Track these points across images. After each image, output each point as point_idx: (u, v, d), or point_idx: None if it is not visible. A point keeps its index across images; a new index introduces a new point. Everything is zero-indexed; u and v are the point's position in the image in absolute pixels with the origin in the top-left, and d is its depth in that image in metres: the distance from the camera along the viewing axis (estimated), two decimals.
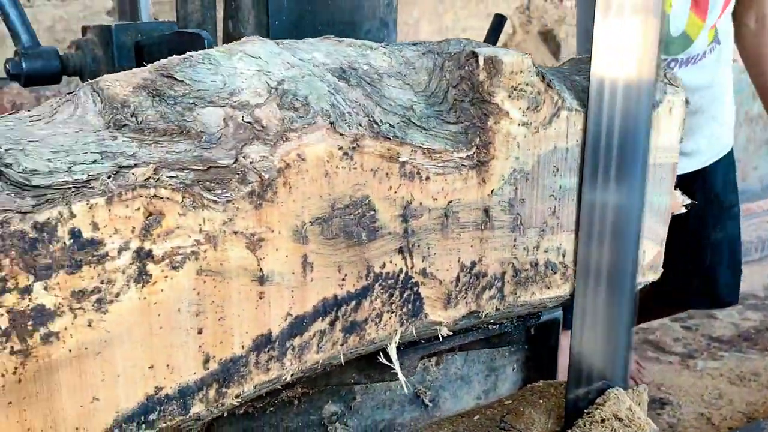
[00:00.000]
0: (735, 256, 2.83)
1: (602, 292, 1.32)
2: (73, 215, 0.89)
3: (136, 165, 0.94)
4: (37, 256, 0.87)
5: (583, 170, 1.29)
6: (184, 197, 0.96)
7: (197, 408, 1.04)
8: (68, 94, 1.05)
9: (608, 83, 1.22)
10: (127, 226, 0.93)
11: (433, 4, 6.61)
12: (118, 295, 0.94)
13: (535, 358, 2.10)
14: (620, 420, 1.34)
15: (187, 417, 1.04)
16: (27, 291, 0.87)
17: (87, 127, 0.99)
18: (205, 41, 1.30)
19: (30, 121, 1.00)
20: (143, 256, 0.94)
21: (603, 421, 1.34)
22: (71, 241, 0.89)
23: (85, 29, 1.64)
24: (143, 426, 1.00)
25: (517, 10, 6.44)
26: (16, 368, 0.89)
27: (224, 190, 0.99)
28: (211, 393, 1.04)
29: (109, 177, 0.91)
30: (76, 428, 0.94)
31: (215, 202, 0.98)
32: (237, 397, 1.07)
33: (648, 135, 1.27)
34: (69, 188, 0.89)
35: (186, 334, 1.00)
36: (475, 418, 1.55)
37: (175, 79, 1.01)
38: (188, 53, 1.03)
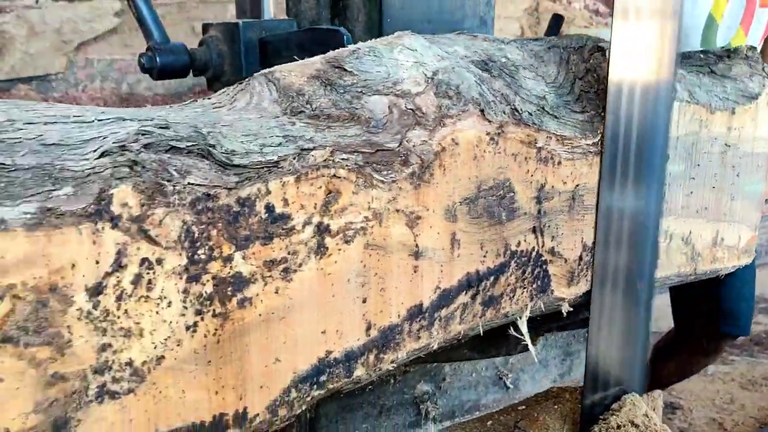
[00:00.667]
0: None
1: (619, 297, 1.30)
2: (269, 192, 0.98)
3: (314, 148, 1.03)
4: (238, 228, 0.96)
5: (601, 174, 1.27)
6: (357, 177, 1.05)
7: (359, 371, 1.13)
8: (240, 84, 1.14)
9: (626, 86, 1.21)
10: (311, 203, 1.02)
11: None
12: (300, 265, 1.03)
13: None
14: (636, 426, 1.31)
15: (350, 380, 1.13)
16: (229, 259, 0.97)
17: (266, 114, 1.08)
18: (344, 37, 1.38)
19: (214, 108, 1.09)
20: (322, 230, 1.03)
21: (619, 427, 1.31)
22: (266, 215, 0.98)
23: (206, 26, 1.73)
24: (315, 387, 1.09)
25: (525, 11, 6.29)
26: (216, 330, 0.98)
27: (389, 172, 1.08)
28: (371, 358, 1.13)
29: (294, 158, 1.00)
30: (261, 386, 1.04)
31: (382, 182, 1.07)
32: (392, 362, 1.16)
33: (666, 138, 1.25)
34: (263, 167, 0.98)
35: (353, 303, 1.09)
36: (488, 423, 1.51)
37: (345, 69, 1.10)
38: (355, 46, 1.12)
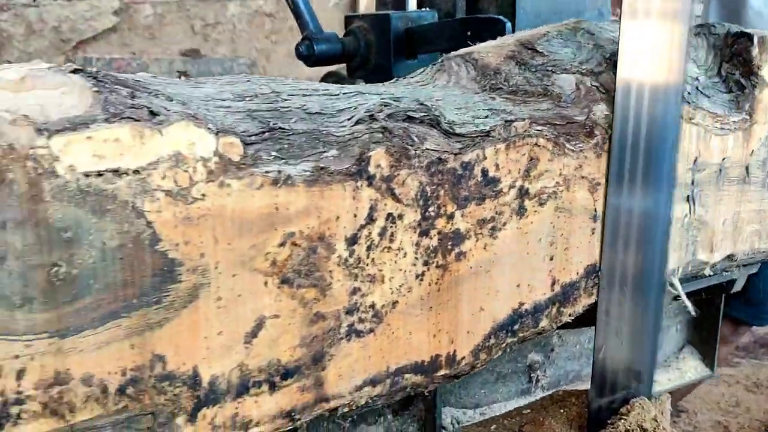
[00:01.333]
0: None
1: (628, 299, 1.26)
2: (485, 157, 1.10)
3: (515, 119, 1.15)
4: (460, 189, 1.08)
5: (609, 173, 1.23)
6: (553, 146, 1.17)
7: (544, 323, 1.25)
8: (435, 64, 1.27)
9: (635, 86, 1.17)
10: (516, 168, 1.14)
11: None
12: (504, 224, 1.15)
13: (696, 321, 2.27)
14: (645, 430, 1.28)
15: (536, 330, 1.25)
16: (451, 217, 1.09)
17: (467, 90, 1.20)
18: (506, 25, 1.49)
19: (420, 86, 1.22)
20: (523, 193, 1.15)
21: (627, 431, 1.28)
22: (482, 178, 1.10)
23: (351, 18, 1.85)
24: (509, 335, 1.21)
25: None
26: (438, 279, 1.10)
27: (577, 142, 1.19)
28: (554, 311, 1.25)
29: (501, 128, 1.12)
30: (467, 332, 1.16)
31: (572, 151, 1.19)
32: (569, 315, 1.27)
33: (676, 139, 1.23)
34: (477, 136, 1.10)
35: (542, 261, 1.21)
36: (492, 427, 1.48)
37: (537, 51, 1.21)
38: (544, 29, 1.24)
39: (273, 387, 0.99)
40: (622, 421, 1.28)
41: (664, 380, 2.36)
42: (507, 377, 2.09)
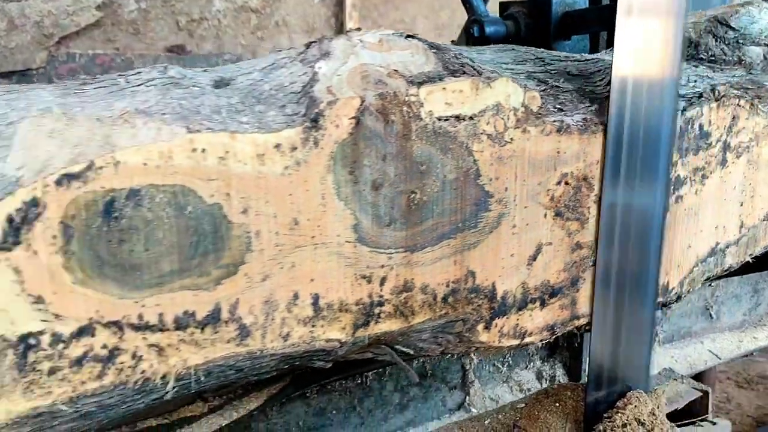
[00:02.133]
0: None
1: (624, 294, 1.24)
2: (701, 114, 1.28)
3: (717, 84, 1.33)
4: (682, 141, 1.27)
5: (603, 169, 1.19)
6: (750, 107, 1.35)
7: (730, 261, 1.43)
8: None
9: (631, 83, 1.15)
10: (722, 125, 1.32)
11: (429, 2, 6.45)
12: (711, 173, 1.33)
13: None
14: (642, 424, 1.26)
15: (723, 267, 1.43)
16: (674, 165, 1.27)
17: None
18: None
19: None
20: (725, 147, 1.34)
21: (624, 425, 1.25)
22: (698, 132, 1.29)
23: (508, 3, 2.02)
24: (705, 270, 1.39)
25: None
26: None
27: (765, 104, 1.38)
28: (739, 251, 1.44)
29: (710, 90, 1.31)
30: (678, 265, 1.35)
31: (764, 111, 1.37)
32: (749, 255, 1.46)
33: (672, 135, 1.21)
34: (694, 96, 1.29)
35: (734, 206, 1.40)
36: (486, 422, 1.44)
37: (730, 26, 1.40)
38: (734, 7, 1.42)
39: (543, 304, 1.18)
40: (619, 414, 1.26)
41: (762, 337, 2.54)
42: None
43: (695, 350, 2.36)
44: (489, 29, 1.90)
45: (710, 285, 2.42)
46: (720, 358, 2.37)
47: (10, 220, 0.75)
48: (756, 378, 3.14)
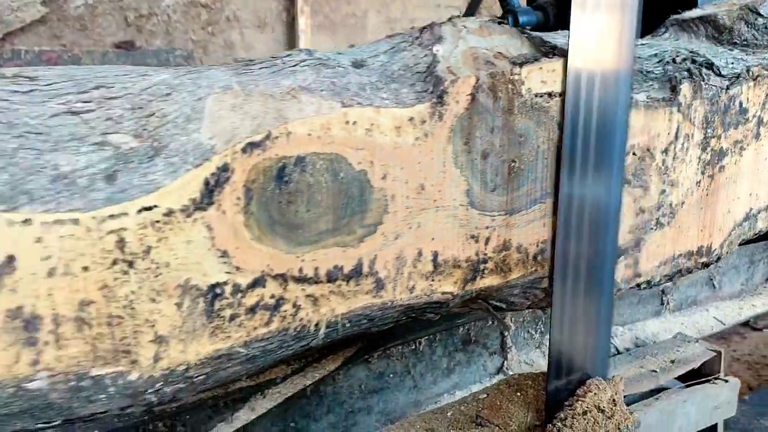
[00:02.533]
0: None
1: (581, 284, 1.25)
2: (741, 92, 1.43)
3: (751, 65, 1.48)
4: (726, 116, 1.41)
5: (560, 163, 1.20)
6: None
7: (761, 225, 1.58)
8: (669, 27, 1.59)
9: (585, 76, 1.16)
10: (758, 101, 1.47)
11: None
12: (747, 145, 1.48)
13: None
14: (602, 411, 1.27)
15: (755, 231, 1.58)
16: (719, 138, 1.42)
17: (709, 44, 1.52)
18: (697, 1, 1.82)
19: (674, 40, 1.54)
20: (759, 121, 1.48)
21: (585, 413, 1.26)
22: (738, 108, 1.43)
23: None
24: (741, 234, 1.54)
25: (465, 1, 6.16)
26: (707, 186, 1.43)
27: None
28: (766, 215, 1.59)
29: (746, 71, 1.45)
30: (719, 229, 1.49)
31: None
32: None
33: (626, 128, 1.22)
34: (733, 76, 1.43)
35: (764, 174, 1.55)
36: (449, 414, 1.46)
37: (759, 13, 1.54)
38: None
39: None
40: (580, 402, 1.27)
41: (759, 304, 2.72)
42: (646, 300, 2.43)
43: (702, 317, 2.52)
44: (522, 19, 2.03)
45: None
46: (724, 324, 2.54)
47: (206, 183, 0.85)
48: None
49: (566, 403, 1.28)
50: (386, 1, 6.45)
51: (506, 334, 2.00)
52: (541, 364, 2.07)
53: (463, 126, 1.05)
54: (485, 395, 1.45)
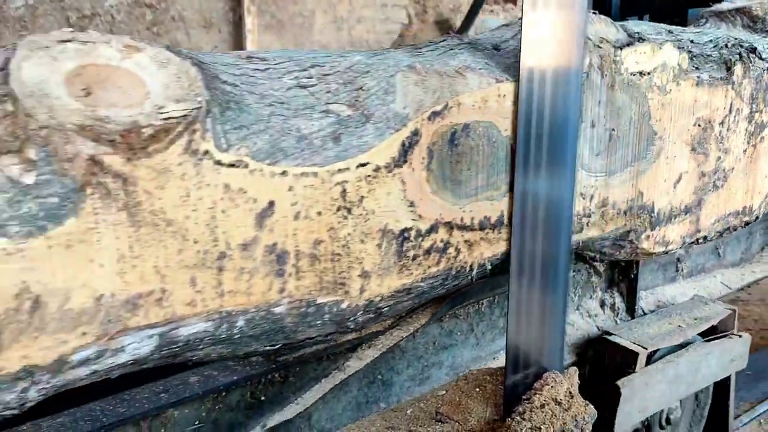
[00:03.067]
0: None
1: (537, 279, 1.26)
2: None
3: None
4: (766, 93, 1.63)
5: (515, 158, 1.20)
6: None
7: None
8: (701, 19, 1.81)
9: (537, 73, 1.16)
10: None
11: None
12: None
13: None
14: (559, 404, 1.29)
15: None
16: (761, 112, 1.64)
17: (745, 33, 1.75)
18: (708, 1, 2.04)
19: (715, 29, 1.76)
20: None
21: (543, 406, 1.28)
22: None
23: None
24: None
25: (412, 0, 6.26)
26: (751, 154, 1.65)
27: None
28: None
29: None
30: (758, 192, 1.71)
31: None
32: None
33: (577, 122, 1.22)
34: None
35: None
36: (409, 411, 1.47)
37: None
38: None
39: (680, 219, 1.53)
40: (537, 395, 1.29)
41: (758, 270, 2.97)
42: (664, 267, 2.66)
43: (711, 282, 2.76)
44: None
45: None
46: (730, 288, 2.78)
47: (402, 144, 1.04)
48: None
49: (524, 396, 1.30)
50: (333, 1, 6.35)
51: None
52: (580, 323, 2.28)
53: None
54: (444, 392, 1.45)
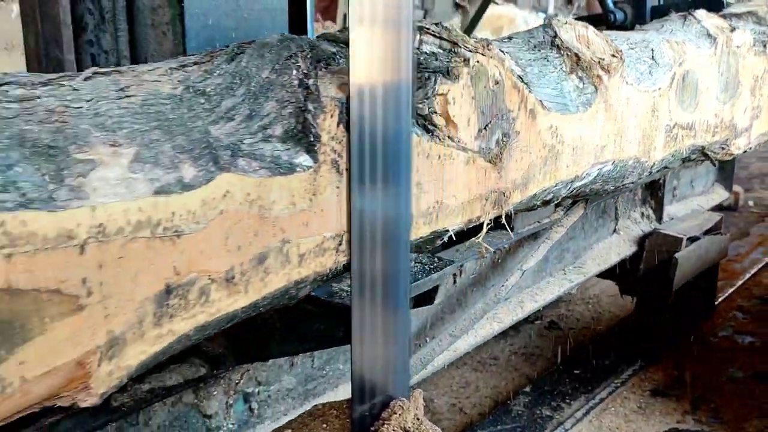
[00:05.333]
0: None
1: (378, 304, 1.23)
2: None
3: None
4: None
5: (350, 176, 1.16)
6: None
7: None
8: (728, 18, 2.88)
9: (368, 90, 1.15)
10: None
11: None
12: None
13: (720, 167, 4.03)
14: (407, 431, 1.27)
15: None
16: None
17: (756, 28, 2.83)
18: (724, 2, 3.10)
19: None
20: None
21: None
22: None
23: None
24: None
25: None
26: None
27: None
28: None
29: None
30: None
31: None
32: None
33: (409, 138, 1.21)
34: None
35: None
36: None
37: None
38: None
39: (743, 135, 2.58)
40: (386, 426, 1.27)
41: (712, 199, 4.13)
42: (669, 192, 3.74)
43: (691, 204, 3.87)
44: (619, 16, 3.25)
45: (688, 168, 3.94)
46: (703, 208, 3.91)
47: None
48: (489, 360, 3.33)
49: (372, 428, 1.28)
50: None
51: (618, 205, 3.22)
52: (635, 217, 3.30)
53: None
54: (290, 429, 1.41)
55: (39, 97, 0.84)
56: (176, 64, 1.03)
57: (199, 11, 1.36)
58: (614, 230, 3.20)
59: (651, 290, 3.21)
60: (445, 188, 1.30)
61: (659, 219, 3.38)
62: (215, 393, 1.55)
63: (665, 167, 2.19)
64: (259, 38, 1.14)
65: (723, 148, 2.47)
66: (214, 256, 0.95)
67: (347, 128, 1.13)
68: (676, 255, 3.07)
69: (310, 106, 1.07)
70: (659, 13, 3.26)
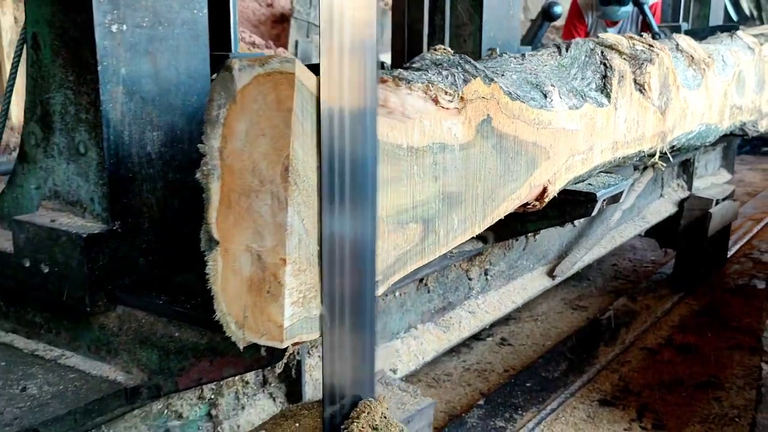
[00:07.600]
0: None
1: (347, 316, 1.31)
2: None
3: None
4: None
5: (321, 200, 1.22)
6: None
7: None
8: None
9: (336, 114, 1.20)
10: None
11: None
12: None
13: (724, 151, 5.08)
14: (376, 429, 1.33)
15: None
16: None
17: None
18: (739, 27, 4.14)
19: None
20: None
21: None
22: None
23: None
24: None
25: None
26: None
27: None
28: None
29: None
30: None
31: None
32: None
33: (375, 161, 1.27)
34: None
35: None
36: None
37: None
38: None
39: (766, 118, 3.62)
40: (355, 424, 1.32)
41: (718, 180, 5.17)
42: (694, 171, 4.78)
43: (708, 181, 4.88)
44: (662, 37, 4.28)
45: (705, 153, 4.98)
46: (718, 184, 4.93)
47: None
48: (443, 376, 3.33)
49: (342, 426, 1.35)
50: None
51: (664, 176, 4.23)
52: (673, 186, 4.32)
53: None
54: (263, 430, 1.44)
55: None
56: (546, 53, 2.02)
57: None
58: (660, 195, 4.23)
59: (689, 239, 4.23)
60: (642, 126, 2.30)
61: (689, 188, 4.40)
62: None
63: (725, 135, 3.21)
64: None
65: (753, 126, 3.51)
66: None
67: (318, 152, 1.21)
68: (710, 210, 4.11)
69: (608, 73, 2.07)
70: (691, 34, 4.33)
